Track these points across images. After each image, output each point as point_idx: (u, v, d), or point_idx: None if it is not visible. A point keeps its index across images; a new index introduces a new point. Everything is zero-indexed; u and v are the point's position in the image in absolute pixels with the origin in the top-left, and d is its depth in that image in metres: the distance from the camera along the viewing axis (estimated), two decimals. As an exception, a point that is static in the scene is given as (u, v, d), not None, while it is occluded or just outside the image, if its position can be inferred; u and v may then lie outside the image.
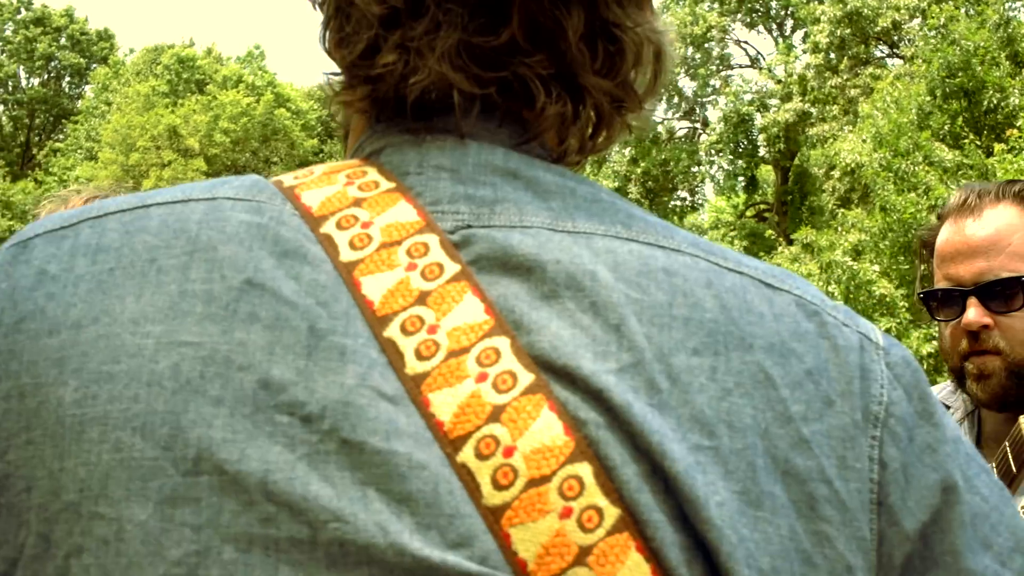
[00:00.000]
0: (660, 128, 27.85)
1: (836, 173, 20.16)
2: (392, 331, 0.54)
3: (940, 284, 1.61)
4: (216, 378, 0.51)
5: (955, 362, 1.59)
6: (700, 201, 31.89)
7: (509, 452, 0.52)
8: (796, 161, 25.04)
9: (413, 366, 0.53)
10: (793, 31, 27.09)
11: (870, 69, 22.36)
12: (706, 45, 26.60)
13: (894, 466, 0.58)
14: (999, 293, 1.54)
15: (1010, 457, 1.39)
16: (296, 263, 0.55)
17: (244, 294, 0.53)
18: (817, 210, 23.64)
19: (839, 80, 22.77)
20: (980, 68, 15.27)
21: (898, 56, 22.38)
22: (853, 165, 17.00)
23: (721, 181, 28.80)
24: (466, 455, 0.52)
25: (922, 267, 1.72)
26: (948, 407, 1.73)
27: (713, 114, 27.18)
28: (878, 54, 23.54)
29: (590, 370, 0.53)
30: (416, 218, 0.58)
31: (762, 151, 26.07)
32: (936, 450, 0.59)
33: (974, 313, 1.54)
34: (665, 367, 0.55)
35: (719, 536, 0.52)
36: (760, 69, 26.80)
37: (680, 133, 28.38)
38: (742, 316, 0.57)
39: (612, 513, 0.51)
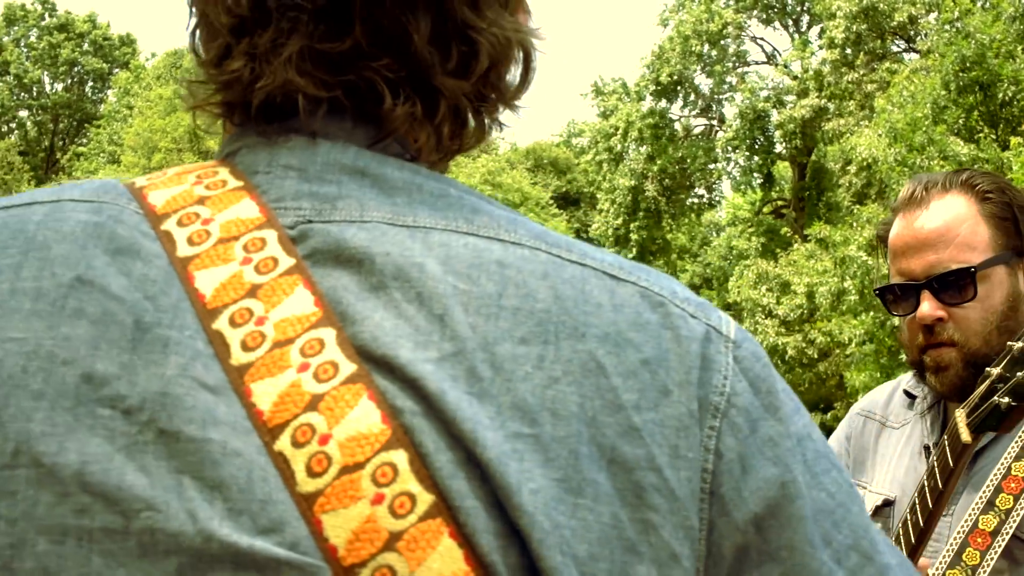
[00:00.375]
0: (677, 125, 27.82)
1: (852, 168, 20.11)
2: (220, 323, 0.56)
3: (894, 279, 1.62)
4: (39, 372, 0.53)
5: (914, 355, 1.61)
6: (717, 198, 31.87)
7: (325, 440, 0.53)
8: (813, 157, 24.95)
9: (238, 357, 0.55)
10: (809, 27, 26.99)
11: (887, 64, 22.26)
12: (722, 42, 26.53)
13: (730, 456, 0.58)
14: (951, 285, 1.54)
15: (947, 451, 1.40)
16: (128, 259, 0.57)
17: (73, 291, 0.55)
18: (834, 206, 23.56)
19: (855, 75, 22.67)
20: (995, 61, 15.19)
21: (914, 51, 22.27)
22: (869, 160, 16.97)
23: (738, 178, 28.73)
24: (283, 443, 0.53)
25: (881, 262, 1.73)
26: (914, 396, 1.73)
27: (729, 111, 27.11)
28: (895, 49, 23.43)
29: (407, 359, 0.55)
30: (257, 214, 0.60)
31: (779, 147, 25.98)
32: (778, 444, 0.59)
33: (927, 307, 1.55)
34: (488, 356, 0.56)
35: (531, 522, 0.53)
36: (776, 65, 26.72)
37: (697, 130, 28.33)
38: (577, 306, 0.58)
39: (425, 499, 0.52)
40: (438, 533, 0.52)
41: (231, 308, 0.57)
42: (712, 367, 0.60)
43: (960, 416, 1.38)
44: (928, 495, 1.41)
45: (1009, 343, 1.34)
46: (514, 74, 0.67)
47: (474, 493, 0.53)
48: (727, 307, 26.50)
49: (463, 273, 0.58)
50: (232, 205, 0.61)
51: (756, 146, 26.26)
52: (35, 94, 44.24)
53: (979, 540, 1.47)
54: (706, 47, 26.33)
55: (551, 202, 37.24)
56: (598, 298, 0.59)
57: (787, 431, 0.60)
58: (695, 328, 0.60)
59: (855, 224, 16.65)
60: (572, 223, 37.54)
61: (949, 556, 1.47)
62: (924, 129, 15.22)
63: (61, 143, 44.90)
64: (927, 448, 1.63)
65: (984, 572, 1.45)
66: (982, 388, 1.35)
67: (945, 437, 1.40)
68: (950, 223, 1.56)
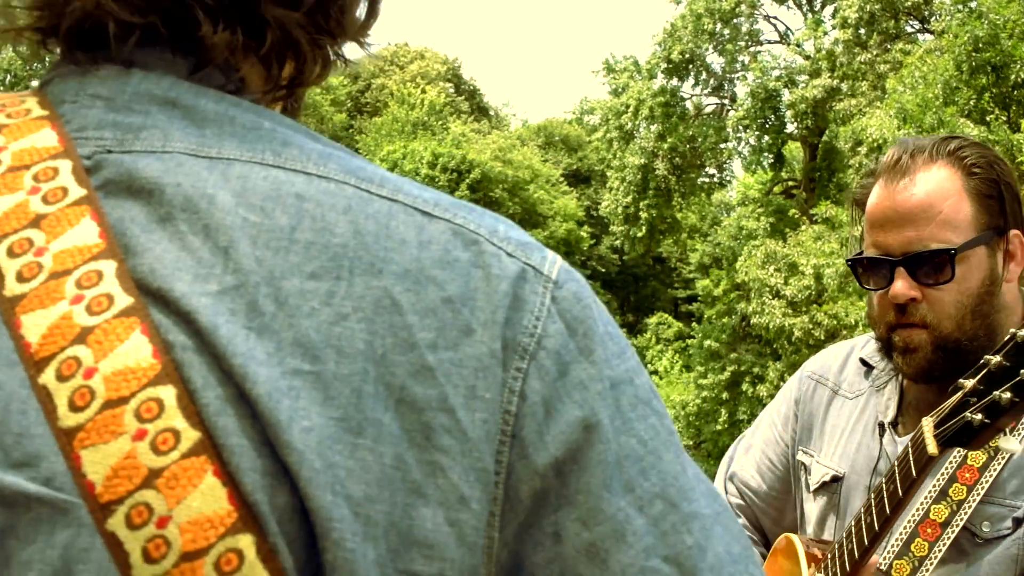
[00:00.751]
0: (688, 104, 27.68)
1: (862, 150, 20.00)
2: None
3: (869, 251, 1.54)
4: None
5: (882, 332, 1.55)
6: (728, 178, 31.75)
7: (89, 374, 0.52)
8: (824, 138, 24.81)
9: (12, 288, 0.54)
10: (823, 6, 26.69)
11: (900, 44, 22.07)
12: (735, 21, 26.31)
13: (534, 399, 0.57)
14: (927, 264, 1.46)
15: (911, 459, 1.34)
16: None
17: None
18: (845, 187, 23.45)
19: (868, 56, 22.50)
20: (1009, 42, 15.05)
21: (928, 31, 22.08)
22: (879, 141, 16.88)
23: (748, 157, 28.59)
24: (47, 376, 0.52)
25: (856, 228, 1.61)
26: (873, 367, 1.68)
27: (741, 90, 26.93)
28: (908, 29, 23.23)
29: (183, 292, 0.54)
30: (55, 144, 0.58)
31: (790, 127, 25.82)
32: (587, 387, 0.58)
33: (901, 285, 1.47)
34: (273, 290, 0.54)
35: (299, 460, 0.51)
36: (789, 45, 26.52)
37: (708, 109, 28.17)
38: (377, 242, 0.57)
39: (191, 436, 0.51)
40: (201, 471, 0.51)
41: (11, 238, 0.55)
42: (524, 307, 0.58)
43: (928, 426, 1.32)
44: (886, 500, 1.36)
45: (986, 356, 1.27)
46: (361, 8, 0.66)
47: (243, 431, 0.52)
48: (736, 287, 26.42)
49: (257, 205, 0.56)
50: (30, 134, 0.59)
51: (767, 126, 26.08)
52: (47, 64, 44.17)
53: (929, 531, 1.44)
54: (718, 25, 26.12)
55: (562, 179, 37.16)
56: (403, 234, 0.58)
57: (600, 374, 0.58)
58: (508, 267, 0.59)
59: (863, 205, 16.54)
60: (583, 200, 37.46)
61: (897, 547, 1.45)
62: (935, 110, 15.11)
63: (73, 114, 44.92)
64: (882, 426, 1.59)
65: (931, 563, 1.43)
66: (954, 400, 1.29)
67: (910, 444, 1.35)
68: (933, 198, 1.47)
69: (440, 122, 38.02)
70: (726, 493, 1.83)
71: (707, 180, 30.25)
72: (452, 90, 43.62)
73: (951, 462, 1.46)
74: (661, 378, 31.70)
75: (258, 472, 0.52)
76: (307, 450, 0.52)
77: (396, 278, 0.56)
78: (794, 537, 1.54)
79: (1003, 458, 1.42)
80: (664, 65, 26.51)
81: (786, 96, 25.10)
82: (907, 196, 1.48)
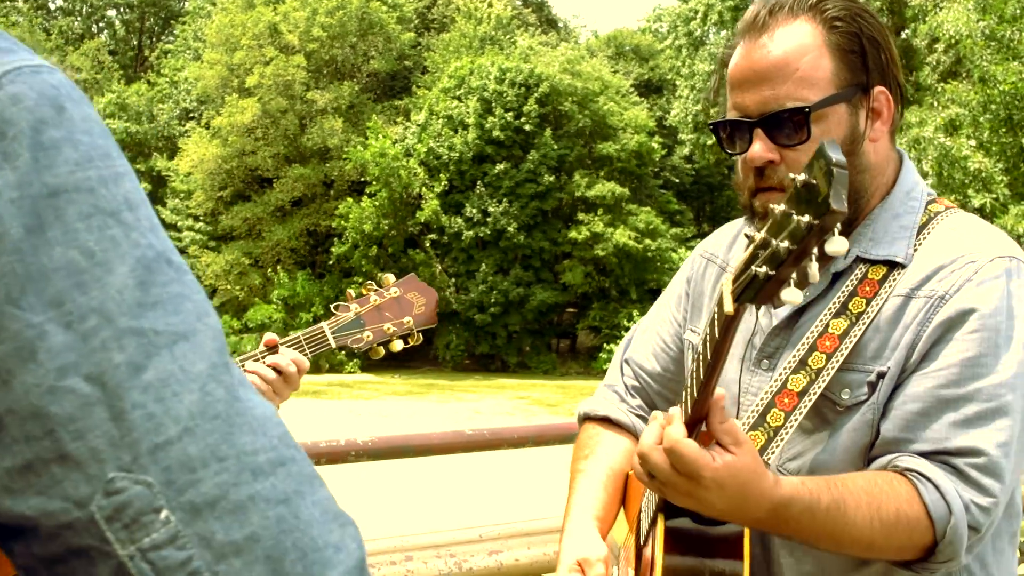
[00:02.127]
0: (759, 6, 26.93)
1: (940, 47, 19.32)
2: None
3: (730, 113, 1.45)
4: None
5: (745, 198, 1.48)
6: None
7: None
8: (903, 36, 24.00)
9: None
10: None
11: (983, -67, 21.08)
12: (807, -84, 25.38)
13: None
14: (784, 124, 1.39)
15: (715, 320, 1.23)
16: None
17: None
18: (923, 87, 22.72)
19: (949, -54, 21.54)
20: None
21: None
22: (956, 37, 16.27)
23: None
24: None
25: (720, 92, 1.53)
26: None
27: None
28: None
29: None
30: None
31: (865, 26, 25.04)
32: (1, 195, 0.53)
33: (759, 147, 1.41)
34: None
35: None
36: (864, -61, 25.48)
37: (780, 11, 27.39)
38: None
39: None
40: None
41: None
42: None
43: (727, 283, 1.20)
44: (700, 367, 1.27)
45: (771, 205, 1.12)
46: None
47: None
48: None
49: None
50: None
51: (841, 25, 25.30)
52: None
53: (786, 401, 1.39)
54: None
55: (632, 90, 36.64)
56: None
57: (24, 180, 0.54)
58: None
59: (936, 104, 16.04)
60: (655, 111, 36.93)
61: (752, 418, 1.41)
62: None
63: (148, 41, 45.65)
64: None
65: (787, 433, 1.38)
66: (747, 254, 1.14)
67: (715, 307, 1.24)
68: (790, 55, 1.39)
69: (507, 36, 37.64)
70: (622, 375, 1.76)
71: (780, 84, 29.53)
72: (519, 3, 43.08)
73: (812, 331, 1.40)
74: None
75: None
76: None
77: None
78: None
79: (864, 323, 1.38)
80: (734, -33, 25.77)
81: (861, -7, 24.24)
82: (764, 54, 1.41)
